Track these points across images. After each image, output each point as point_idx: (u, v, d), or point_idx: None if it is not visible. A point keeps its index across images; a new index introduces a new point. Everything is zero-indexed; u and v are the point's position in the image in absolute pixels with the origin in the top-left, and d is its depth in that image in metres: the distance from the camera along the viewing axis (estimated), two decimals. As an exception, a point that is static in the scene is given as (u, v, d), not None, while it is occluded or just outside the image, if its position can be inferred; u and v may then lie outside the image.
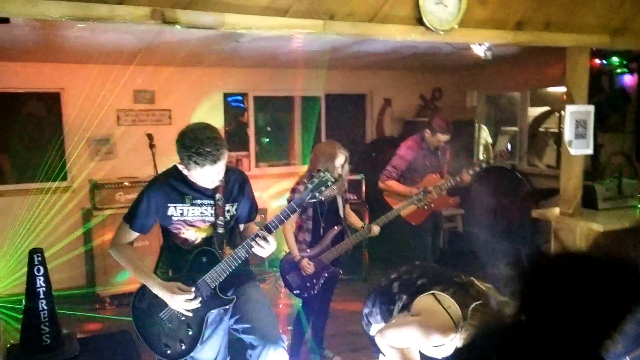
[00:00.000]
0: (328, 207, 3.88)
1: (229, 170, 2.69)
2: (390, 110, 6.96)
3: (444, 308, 2.17)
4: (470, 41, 3.56)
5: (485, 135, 7.11)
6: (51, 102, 5.66)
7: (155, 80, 5.86)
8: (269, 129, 6.94)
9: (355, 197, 5.77)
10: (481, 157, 6.56)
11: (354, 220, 4.06)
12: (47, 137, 5.72)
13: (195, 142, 2.42)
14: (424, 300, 2.28)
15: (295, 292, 3.87)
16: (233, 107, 6.77)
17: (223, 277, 2.59)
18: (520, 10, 3.40)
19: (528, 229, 5.87)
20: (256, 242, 2.52)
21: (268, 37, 4.63)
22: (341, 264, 3.99)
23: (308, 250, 3.84)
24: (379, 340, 2.35)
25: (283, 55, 5.50)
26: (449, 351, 2.26)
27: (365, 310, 2.67)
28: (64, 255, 5.31)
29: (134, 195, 5.24)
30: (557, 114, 6.61)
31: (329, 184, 2.56)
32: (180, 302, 2.55)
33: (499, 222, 6.07)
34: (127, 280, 5.30)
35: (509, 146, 6.28)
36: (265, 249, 2.55)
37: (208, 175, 2.50)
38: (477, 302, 2.13)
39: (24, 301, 3.39)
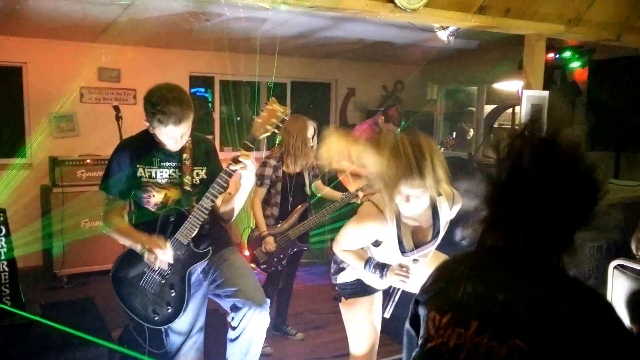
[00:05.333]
0: (295, 182, 3.95)
1: (197, 137, 2.73)
2: (353, 100, 7.13)
3: (372, 202, 2.42)
4: (436, 22, 3.73)
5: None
6: (12, 76, 5.52)
7: (122, 59, 5.79)
8: (233, 113, 6.98)
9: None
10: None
11: (330, 192, 4.12)
12: (6, 113, 5.59)
13: (161, 100, 2.43)
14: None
15: (262, 267, 3.92)
16: (198, 97, 6.79)
17: (194, 232, 2.58)
18: (483, -6, 3.59)
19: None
20: (218, 185, 2.53)
21: (238, 18, 4.69)
22: (307, 241, 4.07)
23: (276, 226, 3.90)
24: (336, 250, 2.56)
25: (251, 39, 5.56)
26: (390, 250, 2.46)
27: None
28: (20, 234, 5.20)
29: (95, 174, 5.25)
30: (510, 110, 6.91)
31: (278, 113, 2.51)
32: (159, 251, 2.52)
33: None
34: (86, 260, 5.26)
35: (454, 135, 6.55)
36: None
37: (171, 134, 2.50)
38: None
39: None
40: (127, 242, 2.66)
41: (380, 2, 3.23)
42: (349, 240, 2.51)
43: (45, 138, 5.58)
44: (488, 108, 7.21)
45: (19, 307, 3.42)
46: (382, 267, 2.44)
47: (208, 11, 4.48)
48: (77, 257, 5.24)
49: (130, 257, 2.67)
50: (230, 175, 2.54)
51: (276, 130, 2.57)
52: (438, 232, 2.49)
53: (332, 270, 2.78)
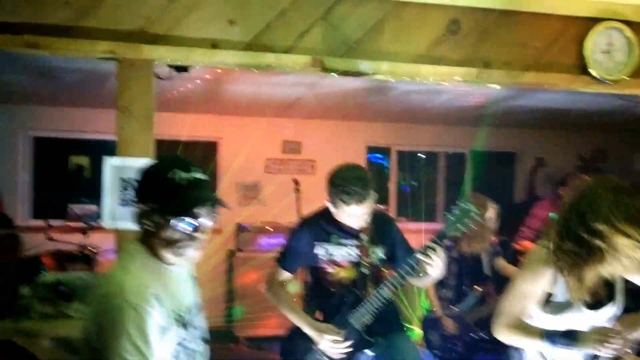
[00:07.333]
0: (471, 263, 3.70)
1: (377, 215, 2.69)
2: (542, 170, 6.54)
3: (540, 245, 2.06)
4: (644, 93, 3.23)
5: None
6: (209, 150, 6.15)
7: (303, 132, 6.14)
8: (412, 183, 6.88)
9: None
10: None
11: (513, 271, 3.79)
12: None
13: (344, 180, 2.48)
14: None
15: (434, 351, 3.70)
16: (373, 163, 6.83)
17: (367, 318, 2.54)
18: None
19: None
20: (399, 275, 2.45)
21: (417, 91, 4.64)
22: (487, 327, 3.71)
23: (451, 308, 3.68)
24: (499, 329, 2.09)
25: (430, 110, 5.46)
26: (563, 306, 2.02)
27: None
28: (207, 295, 5.58)
29: (274, 240, 5.52)
30: None
31: (472, 214, 2.34)
32: (328, 343, 2.53)
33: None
34: (265, 324, 5.44)
35: None
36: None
37: (354, 214, 2.51)
38: None
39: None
40: (291, 317, 2.67)
41: (572, 76, 2.91)
42: (521, 301, 2.07)
43: (233, 205, 6.02)
44: None
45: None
46: (569, 334, 1.95)
47: (385, 85, 4.50)
48: (257, 321, 5.43)
49: (301, 331, 2.65)
50: (413, 267, 2.41)
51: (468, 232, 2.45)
52: (613, 291, 2.09)
53: None
